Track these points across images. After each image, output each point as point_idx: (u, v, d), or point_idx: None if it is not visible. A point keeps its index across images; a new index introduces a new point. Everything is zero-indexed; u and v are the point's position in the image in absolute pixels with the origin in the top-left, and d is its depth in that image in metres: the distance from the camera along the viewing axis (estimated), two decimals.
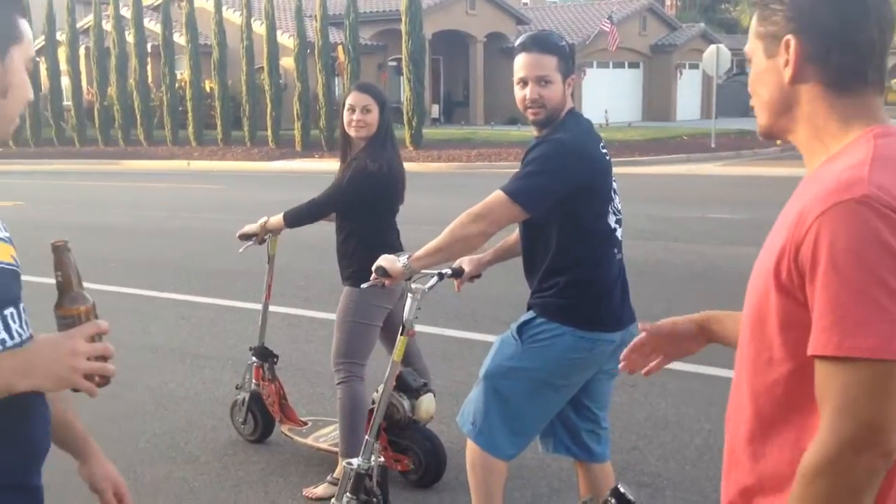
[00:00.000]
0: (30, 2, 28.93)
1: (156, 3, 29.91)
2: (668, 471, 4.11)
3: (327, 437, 4.18)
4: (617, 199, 2.93)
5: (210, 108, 27.27)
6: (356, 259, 3.76)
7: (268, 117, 25.66)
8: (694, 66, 34.28)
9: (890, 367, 1.18)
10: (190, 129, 27.17)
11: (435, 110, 33.08)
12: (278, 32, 26.18)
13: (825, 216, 1.24)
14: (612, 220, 2.88)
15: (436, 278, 3.08)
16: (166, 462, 4.32)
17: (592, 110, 32.76)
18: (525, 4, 41.02)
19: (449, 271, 3.15)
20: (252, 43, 25.82)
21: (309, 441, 4.18)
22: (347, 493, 3.04)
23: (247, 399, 4.45)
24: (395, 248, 3.73)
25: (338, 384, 3.84)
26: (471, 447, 2.96)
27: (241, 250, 4.29)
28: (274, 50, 25.55)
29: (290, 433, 4.29)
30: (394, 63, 30.81)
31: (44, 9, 28.56)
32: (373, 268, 2.88)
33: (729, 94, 37.19)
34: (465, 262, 3.23)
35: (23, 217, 13.77)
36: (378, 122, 3.81)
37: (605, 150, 2.91)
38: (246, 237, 4.16)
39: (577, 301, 2.83)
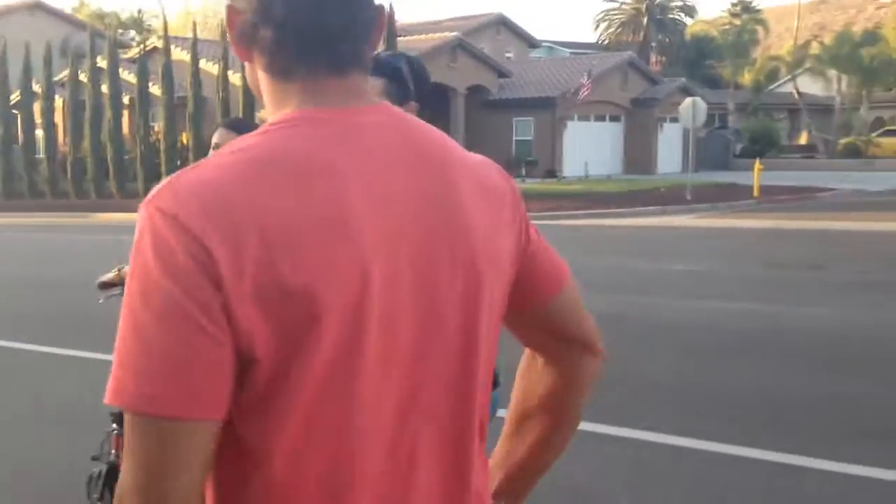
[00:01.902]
0: (7, 54, 29.17)
1: (134, 56, 29.86)
2: None
3: None
4: None
5: (185, 160, 27.03)
6: None
7: None
8: (675, 120, 34.26)
9: (151, 423, 0.95)
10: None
11: None
12: None
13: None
14: None
15: None
16: None
17: (573, 162, 32.75)
18: (508, 59, 41.18)
19: None
20: (228, 94, 25.67)
21: None
22: None
23: (104, 472, 4.00)
24: None
25: None
26: None
27: (100, 301, 3.86)
28: (250, 101, 25.40)
29: None
30: None
31: (20, 61, 28.45)
32: None
33: (711, 147, 37.23)
34: None
35: None
36: None
37: None
38: (108, 286, 3.77)
39: None
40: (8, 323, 8.84)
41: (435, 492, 1.10)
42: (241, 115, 25.32)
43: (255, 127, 3.54)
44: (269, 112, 1.11)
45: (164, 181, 1.01)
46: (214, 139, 3.49)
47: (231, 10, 1.10)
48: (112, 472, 3.98)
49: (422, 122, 1.15)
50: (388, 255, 1.02)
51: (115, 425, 3.97)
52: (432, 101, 2.59)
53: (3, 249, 16.38)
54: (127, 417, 0.97)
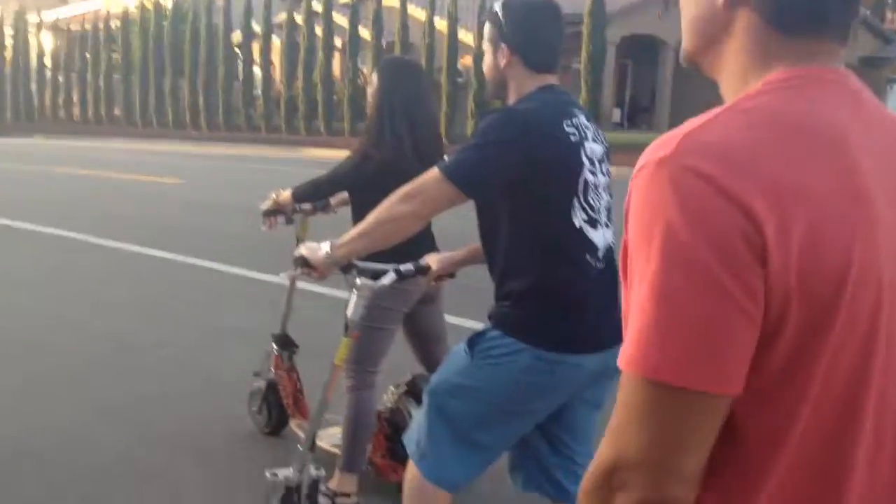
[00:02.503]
0: None
1: (347, 2, 30.72)
2: None
3: (332, 437, 3.77)
4: (598, 196, 2.33)
5: None
6: None
7: (442, 115, 25.70)
8: None
9: (675, 394, 0.88)
10: None
11: (616, 114, 32.11)
12: (461, 31, 26.16)
13: (633, 183, 0.94)
14: (579, 217, 2.29)
15: (392, 275, 2.59)
16: (176, 450, 4.02)
17: None
18: None
19: (411, 268, 2.65)
20: (434, 41, 25.91)
21: None
22: None
23: (263, 388, 4.12)
24: (407, 250, 2.90)
25: (347, 390, 3.46)
26: (411, 471, 2.45)
27: (263, 228, 3.93)
28: (454, 47, 25.53)
29: (298, 429, 3.90)
30: (578, 65, 30.17)
31: (242, 2, 29.92)
32: (294, 256, 2.46)
33: None
34: (433, 260, 2.73)
35: (175, 194, 14.31)
36: (376, 97, 3.39)
37: (573, 131, 2.31)
38: (272, 214, 3.84)
39: (535, 314, 2.26)
40: (217, 246, 9.35)
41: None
42: (444, 61, 25.50)
43: (410, 66, 3.46)
44: (750, 63, 1.02)
45: (669, 137, 0.93)
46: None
47: None
48: (271, 388, 4.10)
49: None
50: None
51: (274, 345, 4.08)
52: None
53: (221, 177, 17.39)
54: (643, 387, 0.90)
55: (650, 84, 33.22)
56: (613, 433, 0.93)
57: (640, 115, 33.44)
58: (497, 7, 2.40)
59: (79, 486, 3.63)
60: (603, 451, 0.94)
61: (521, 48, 2.35)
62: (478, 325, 2.30)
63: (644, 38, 30.87)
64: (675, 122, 28.10)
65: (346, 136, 27.85)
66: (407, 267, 2.63)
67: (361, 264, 2.53)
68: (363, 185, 3.37)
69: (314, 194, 3.60)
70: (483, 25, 2.46)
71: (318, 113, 28.90)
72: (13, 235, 9.90)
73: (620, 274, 1.01)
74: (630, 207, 0.94)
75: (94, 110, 35.49)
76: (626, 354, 0.91)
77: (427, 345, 3.70)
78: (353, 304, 2.54)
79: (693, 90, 31.80)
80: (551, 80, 2.41)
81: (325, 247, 2.38)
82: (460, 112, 25.66)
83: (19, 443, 4.06)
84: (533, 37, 2.36)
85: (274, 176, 17.60)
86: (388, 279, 2.57)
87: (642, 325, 0.89)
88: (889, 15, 48.50)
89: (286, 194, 3.68)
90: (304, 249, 2.41)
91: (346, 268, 2.48)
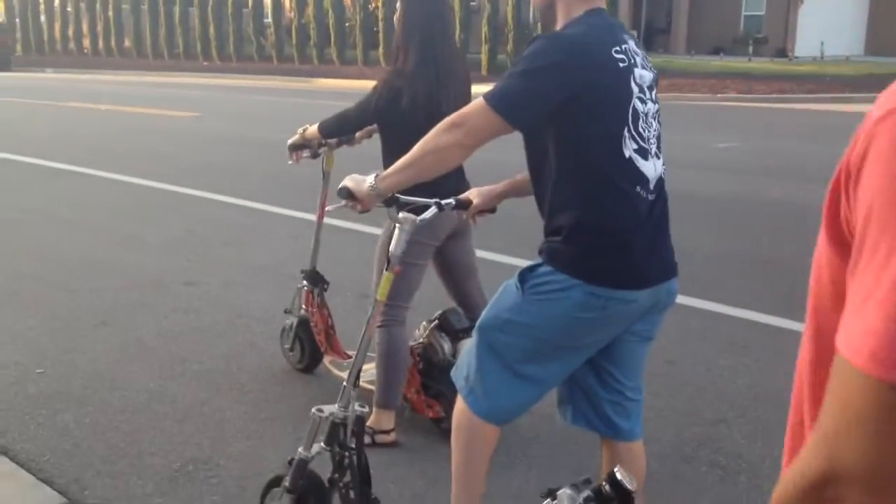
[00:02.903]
0: None
1: None
2: (750, 452, 3.42)
3: (366, 373, 3.78)
4: (648, 125, 2.27)
5: None
6: None
7: (456, 40, 25.30)
8: None
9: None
10: (381, 49, 27.27)
11: None
12: None
13: (877, 127, 0.76)
14: (629, 147, 2.23)
15: (434, 209, 2.55)
16: (210, 387, 4.06)
17: (807, 42, 30.27)
18: None
19: (452, 202, 2.61)
20: None
21: (345, 375, 3.80)
22: (321, 444, 2.63)
23: (294, 325, 4.13)
24: (437, 184, 2.73)
25: (377, 327, 3.45)
26: (459, 406, 2.46)
27: (290, 162, 3.91)
28: None
29: (331, 365, 3.93)
30: None
31: None
32: (338, 188, 2.41)
33: None
34: (474, 194, 2.69)
35: (194, 128, 14.23)
36: (399, 23, 3.34)
37: (622, 57, 2.24)
38: (298, 148, 3.83)
39: (586, 249, 2.22)
40: (239, 181, 9.32)
41: None
42: None
43: None
44: None
45: None
46: None
47: None
48: (302, 325, 4.11)
49: None
50: None
51: (305, 282, 4.07)
52: None
53: (238, 110, 17.27)
54: (880, 392, 0.73)
55: (666, 6, 32.55)
56: (828, 438, 0.77)
57: (656, 37, 32.87)
58: None
59: (119, 425, 3.68)
60: (812, 458, 0.78)
61: None
62: (505, 259, 2.25)
63: None
64: (692, 45, 27.52)
65: (359, 66, 27.52)
66: (448, 201, 2.59)
67: (403, 198, 2.49)
68: (392, 118, 3.33)
69: (341, 129, 3.57)
70: None
71: (330, 41, 28.51)
72: (31, 173, 9.90)
73: (823, 228, 0.84)
74: (870, 158, 0.77)
75: (104, 42, 35.14)
76: (855, 346, 0.73)
77: (458, 279, 3.69)
78: (395, 239, 2.51)
79: (712, 10, 31.17)
80: (599, 3, 2.33)
81: (369, 179, 2.33)
82: (473, 37, 25.25)
83: (54, 383, 4.10)
84: None
85: (291, 109, 17.47)
86: (429, 213, 2.54)
87: (889, 314, 0.71)
88: None
89: (313, 129, 3.65)
90: (348, 181, 2.37)
91: (389, 201, 2.44)
